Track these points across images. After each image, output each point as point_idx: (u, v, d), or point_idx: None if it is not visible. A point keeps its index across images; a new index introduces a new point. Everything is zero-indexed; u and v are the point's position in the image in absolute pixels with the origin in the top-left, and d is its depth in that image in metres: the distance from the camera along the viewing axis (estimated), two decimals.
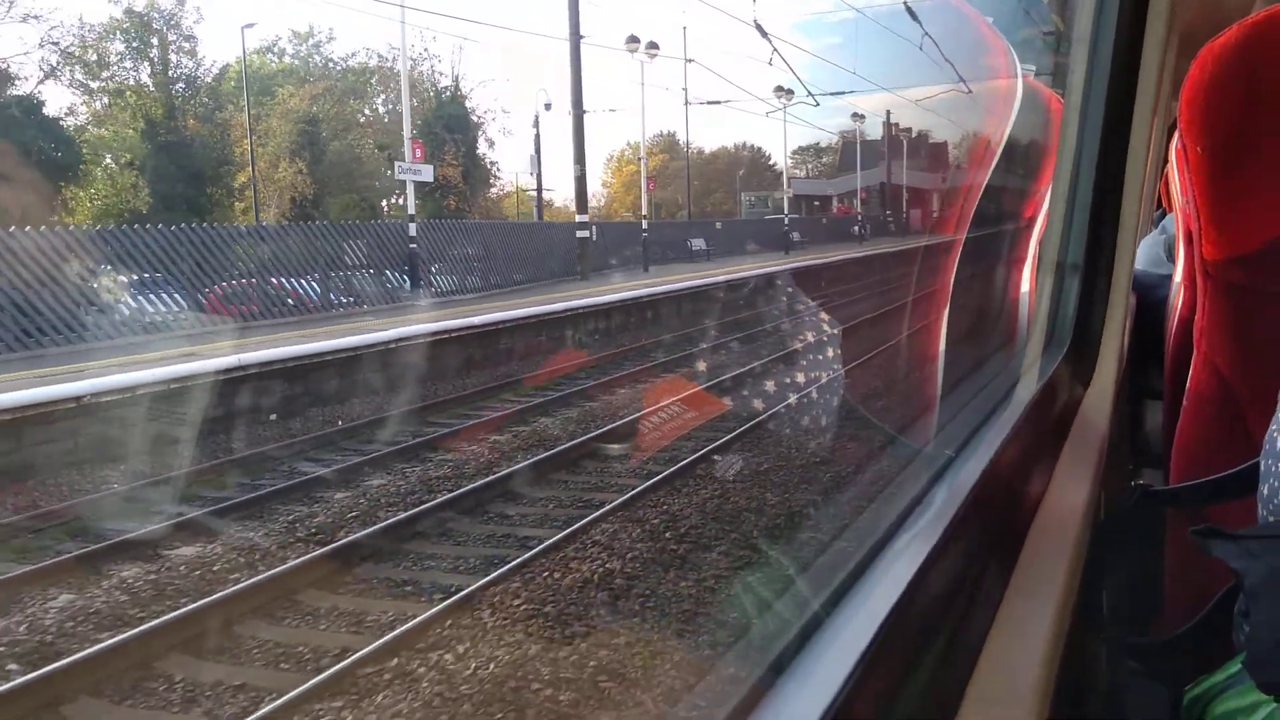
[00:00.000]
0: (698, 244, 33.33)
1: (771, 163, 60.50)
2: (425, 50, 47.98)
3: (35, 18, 35.98)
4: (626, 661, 4.69)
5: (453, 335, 14.03)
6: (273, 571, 5.91)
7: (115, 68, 34.53)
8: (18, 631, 5.29)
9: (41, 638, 5.21)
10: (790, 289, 22.42)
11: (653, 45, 31.74)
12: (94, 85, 34.06)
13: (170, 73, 34.83)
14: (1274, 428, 1.04)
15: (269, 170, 34.81)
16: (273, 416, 10.66)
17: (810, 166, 61.86)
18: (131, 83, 34.31)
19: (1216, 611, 1.06)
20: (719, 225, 38.65)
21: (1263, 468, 1.04)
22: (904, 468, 1.47)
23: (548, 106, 35.87)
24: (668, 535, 6.54)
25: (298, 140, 34.81)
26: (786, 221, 41.18)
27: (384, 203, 39.08)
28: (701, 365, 13.85)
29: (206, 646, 5.03)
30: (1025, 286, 2.32)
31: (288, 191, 34.47)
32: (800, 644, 0.73)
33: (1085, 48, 2.10)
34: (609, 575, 5.80)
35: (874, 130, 51.50)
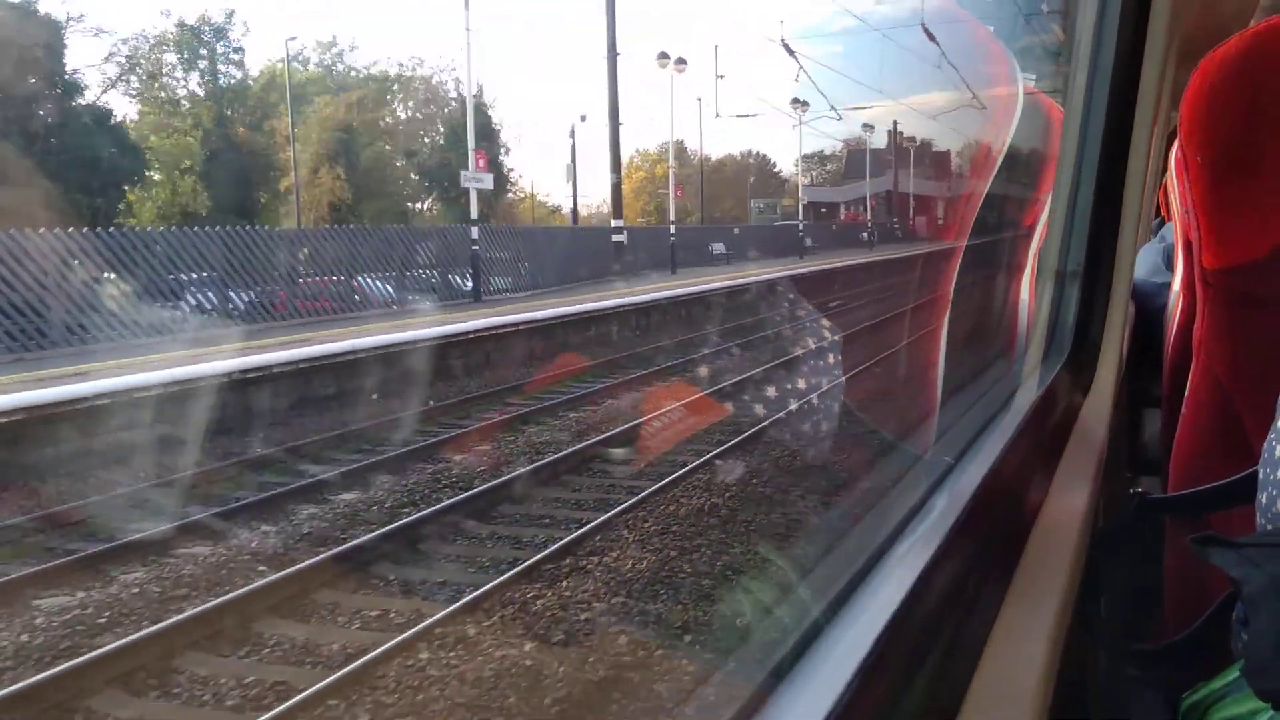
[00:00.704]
0: (718, 248, 34.87)
1: (776, 170, 61.79)
2: (451, 60, 51.44)
3: (103, 31, 39.03)
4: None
5: (529, 326, 15.82)
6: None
7: (167, 78, 36.55)
8: None
9: None
10: (813, 290, 23.91)
11: (681, 60, 33.68)
12: (156, 95, 35.70)
13: (219, 83, 36.77)
14: (1272, 436, 1.04)
15: (310, 176, 36.47)
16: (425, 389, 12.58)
17: (814, 174, 62.58)
18: (183, 92, 36.42)
19: (1214, 619, 1.07)
20: (736, 231, 40.53)
21: (1261, 476, 1.04)
22: (904, 471, 1.47)
23: (583, 118, 37.00)
24: (754, 481, 8.00)
25: (334, 147, 36.65)
26: (801, 228, 42.69)
27: (414, 207, 41.08)
28: (751, 353, 15.34)
29: None
30: (1025, 294, 2.33)
31: (326, 196, 36.35)
32: (800, 650, 0.74)
33: (1086, 57, 2.11)
34: (715, 507, 7.22)
35: (877, 138, 52.12)
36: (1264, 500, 1.02)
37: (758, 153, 62.85)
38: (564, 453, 8.78)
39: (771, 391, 11.95)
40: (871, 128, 49.02)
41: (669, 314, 19.71)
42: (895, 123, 48.00)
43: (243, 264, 16.44)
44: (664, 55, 33.05)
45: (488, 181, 25.76)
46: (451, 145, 36.88)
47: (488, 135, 38.57)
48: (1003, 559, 1.11)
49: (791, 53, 29.05)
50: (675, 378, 13.46)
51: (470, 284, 21.15)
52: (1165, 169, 3.67)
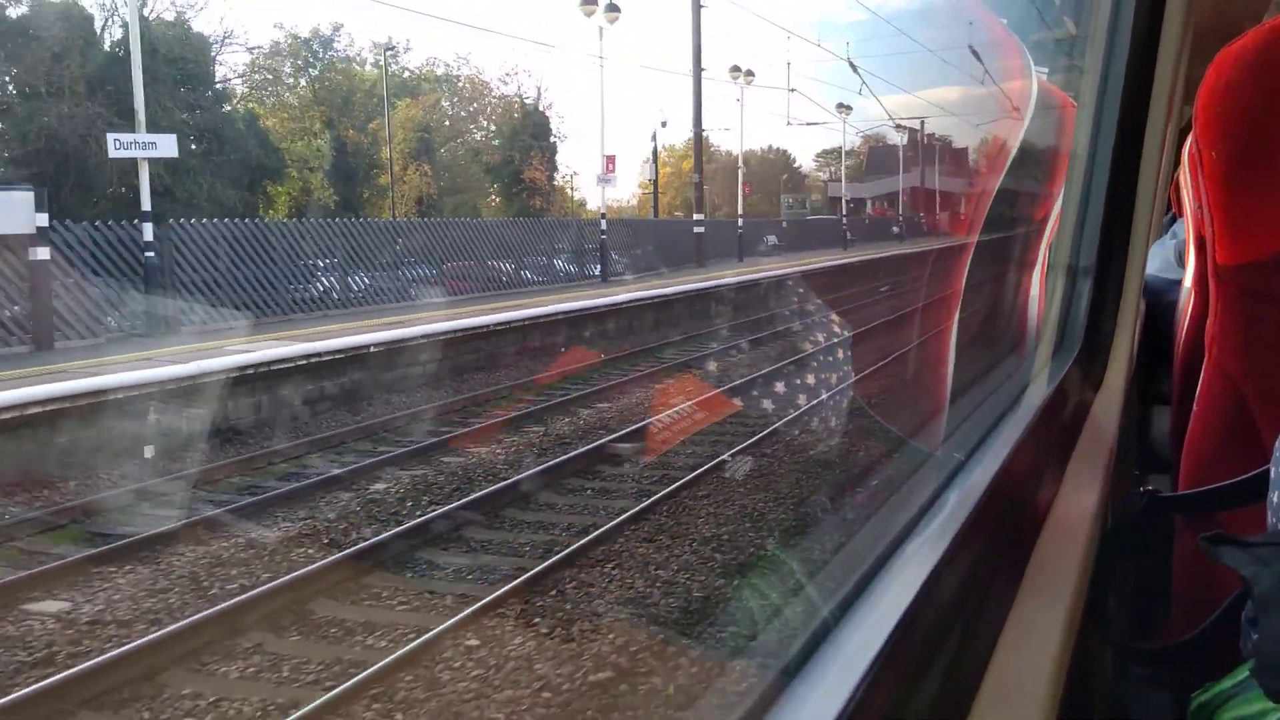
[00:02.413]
0: (771, 239, 38.99)
1: (797, 165, 62.92)
2: (516, 66, 58.79)
3: (250, 48, 44.09)
4: None
5: (656, 301, 19.72)
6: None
7: (282, 85, 41.26)
8: None
9: None
10: (870, 274, 27.22)
11: (750, 73, 38.63)
12: (287, 101, 40.39)
13: (328, 88, 40.87)
14: None
15: (401, 173, 40.39)
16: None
17: (833, 169, 63.64)
18: (307, 97, 40.46)
19: (1224, 618, 1.06)
20: (784, 224, 44.97)
21: (1273, 475, 1.04)
22: (910, 469, 1.47)
23: (664, 124, 41.86)
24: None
25: (416, 146, 40.72)
26: (844, 221, 46.96)
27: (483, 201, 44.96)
28: (855, 316, 18.99)
29: None
30: (1036, 289, 2.32)
31: (414, 192, 40.46)
32: (812, 648, 0.74)
33: (1100, 51, 2.10)
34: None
35: (893, 133, 53.73)
36: (1275, 499, 1.02)
37: (778, 148, 64.08)
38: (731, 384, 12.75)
39: (883, 341, 15.08)
40: (904, 127, 51.00)
41: (756, 293, 22.90)
42: (922, 122, 49.43)
43: (410, 250, 20.25)
44: (735, 69, 38.01)
45: (615, 182, 30.57)
46: (509, 144, 41.35)
47: (544, 134, 42.33)
48: (1013, 557, 1.11)
49: (855, 69, 34.06)
50: (781, 341, 16.52)
51: (599, 268, 25.43)
52: (1178, 164, 3.65)
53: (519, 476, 8.24)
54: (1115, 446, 1.72)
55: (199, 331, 13.74)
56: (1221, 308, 1.58)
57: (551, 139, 43.22)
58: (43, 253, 12.49)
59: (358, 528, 7.14)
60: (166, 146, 16.68)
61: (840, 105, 45.46)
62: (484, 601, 5.35)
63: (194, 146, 27.51)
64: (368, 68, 44.38)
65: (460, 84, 45.84)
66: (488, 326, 14.82)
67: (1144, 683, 1.46)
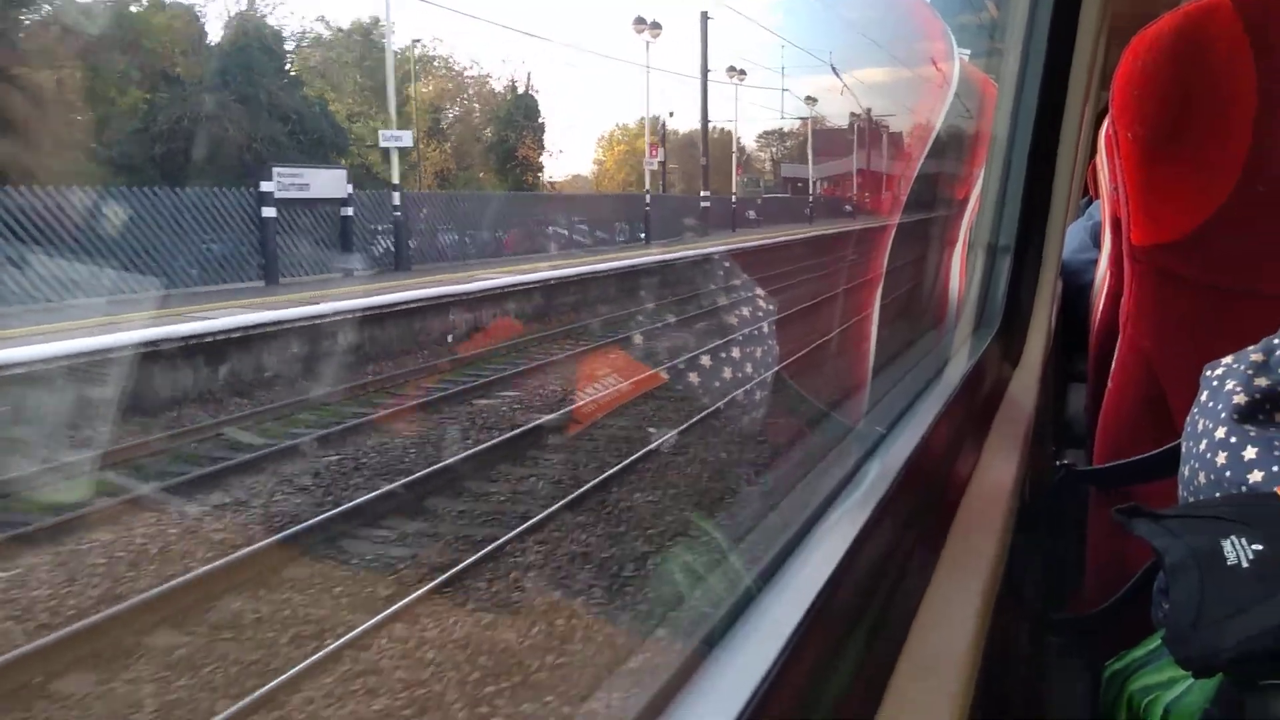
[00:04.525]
0: (751, 214, 43.38)
1: (743, 145, 65.44)
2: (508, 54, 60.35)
3: (318, 39, 45.26)
4: None
5: (707, 256, 22.98)
6: None
7: (344, 72, 43.38)
8: None
9: None
10: (854, 242, 30.36)
11: (742, 72, 43.02)
12: (343, 85, 42.93)
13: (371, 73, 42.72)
14: (1195, 411, 1.06)
15: (425, 150, 43.04)
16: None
17: (774, 150, 64.73)
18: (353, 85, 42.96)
19: (1137, 589, 1.09)
20: (760, 201, 48.89)
21: (1184, 449, 1.06)
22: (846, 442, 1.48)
23: (671, 114, 48.36)
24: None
25: (431, 125, 43.80)
26: (811, 199, 52.31)
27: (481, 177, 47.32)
28: (847, 271, 20.76)
29: None
30: (957, 267, 2.35)
31: (434, 167, 43.67)
32: (734, 618, 0.73)
33: (1020, 34, 2.12)
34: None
35: (826, 112, 55.71)
36: (1186, 473, 1.04)
37: (721, 129, 65.79)
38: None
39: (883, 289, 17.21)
40: (815, 101, 53.22)
41: (767, 254, 25.70)
42: (869, 110, 51.33)
43: (471, 217, 23.26)
44: (732, 69, 42.57)
45: (654, 165, 35.46)
46: (504, 125, 44.24)
47: (534, 115, 45.04)
48: (933, 529, 1.12)
49: (838, 74, 37.85)
50: (789, 292, 18.07)
51: (643, 233, 29.64)
52: (1094, 147, 3.72)
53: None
54: (1032, 422, 1.75)
55: (428, 269, 18.92)
56: (1136, 287, 1.61)
57: (540, 120, 46.23)
58: (349, 210, 18.26)
59: None
60: (406, 139, 22.87)
61: (808, 98, 49.93)
62: None
63: (284, 127, 30.98)
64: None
65: (456, 68, 49.24)
66: (605, 271, 18.98)
67: (1060, 651, 1.49)
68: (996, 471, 1.37)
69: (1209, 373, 1.07)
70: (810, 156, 57.19)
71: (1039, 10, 2.08)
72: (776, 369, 10.78)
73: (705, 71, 38.46)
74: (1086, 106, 2.24)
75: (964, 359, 1.82)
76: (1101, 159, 3.02)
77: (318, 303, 11.85)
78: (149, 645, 4.55)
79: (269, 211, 15.91)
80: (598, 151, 62.33)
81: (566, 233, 27.12)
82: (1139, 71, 1.46)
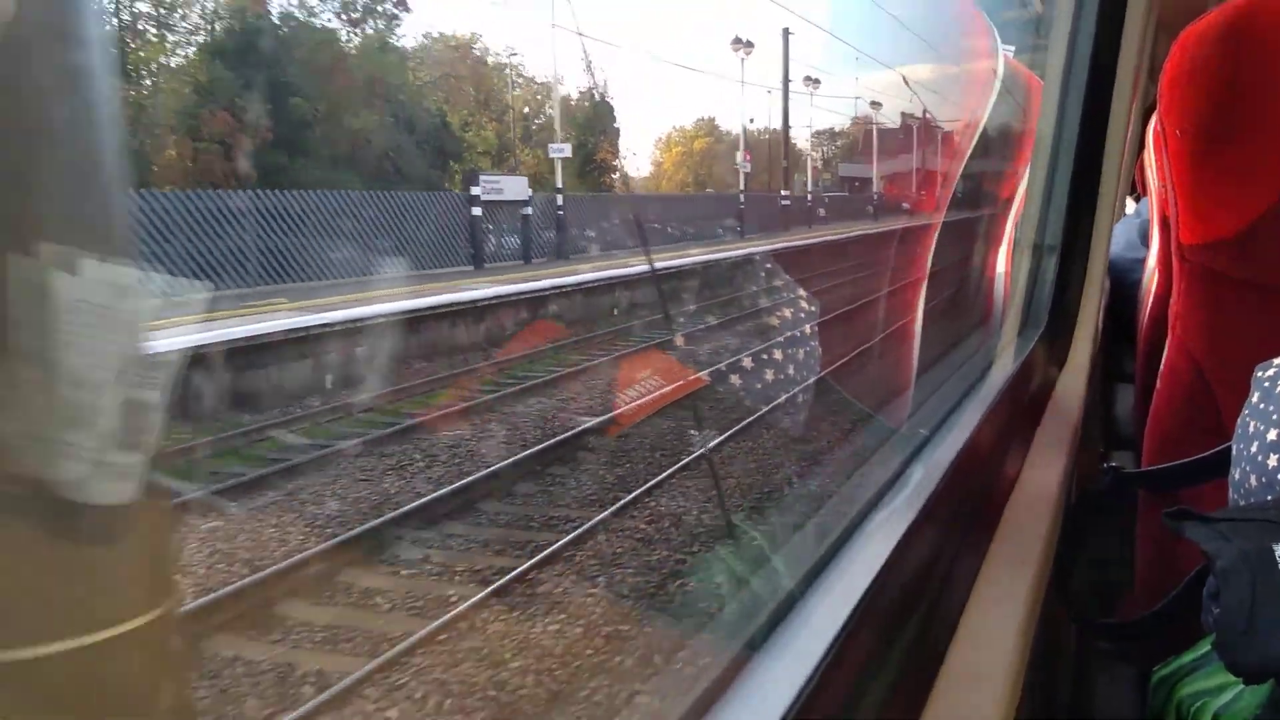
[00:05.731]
0: (820, 211, 45.00)
1: (794, 145, 66.38)
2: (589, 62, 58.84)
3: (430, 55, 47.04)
4: None
5: (802, 248, 25.22)
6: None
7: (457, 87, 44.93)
8: None
9: None
10: (918, 235, 31.37)
11: (817, 80, 45.47)
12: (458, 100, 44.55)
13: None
14: (1246, 412, 1.05)
15: (522, 156, 44.59)
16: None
17: (825, 149, 65.30)
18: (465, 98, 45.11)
19: (1186, 593, 1.07)
20: (827, 199, 50.86)
21: (1234, 452, 1.05)
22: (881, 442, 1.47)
23: (751, 120, 49.50)
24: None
25: (523, 131, 45.24)
26: (875, 197, 52.68)
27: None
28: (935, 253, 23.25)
29: None
30: (1002, 267, 2.33)
31: (530, 171, 44.43)
32: (777, 620, 0.73)
33: (1065, 30, 2.10)
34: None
35: (884, 113, 56.23)
36: (1236, 475, 1.03)
37: (773, 129, 66.79)
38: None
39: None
40: (879, 105, 53.81)
41: (849, 246, 26.85)
42: (925, 110, 51.82)
43: (597, 216, 25.75)
44: (808, 79, 44.64)
45: (747, 167, 37.63)
46: (583, 131, 44.73)
47: (610, 121, 46.82)
48: (978, 532, 1.11)
49: (908, 84, 38.25)
50: (857, 286, 18.09)
51: (739, 227, 31.60)
52: (1142, 144, 3.66)
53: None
54: (1079, 423, 1.73)
55: (583, 259, 21.58)
56: (1184, 287, 1.58)
57: (615, 125, 48.19)
58: (528, 210, 21.37)
59: None
60: (566, 150, 25.85)
61: (873, 103, 50.76)
62: None
63: (411, 137, 33.55)
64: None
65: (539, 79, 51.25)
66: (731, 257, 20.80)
67: (1107, 656, 1.47)
68: (1042, 474, 1.35)
69: (1260, 374, 1.05)
70: (875, 155, 58.06)
71: (1085, 5, 2.05)
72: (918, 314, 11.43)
73: (787, 83, 41.39)
74: (1134, 101, 2.21)
75: (1010, 360, 1.80)
76: (1149, 155, 2.97)
77: (529, 281, 15.05)
78: None
79: (476, 211, 19.47)
80: (655, 153, 63.85)
81: (665, 228, 29.32)
82: (1187, 67, 1.43)
